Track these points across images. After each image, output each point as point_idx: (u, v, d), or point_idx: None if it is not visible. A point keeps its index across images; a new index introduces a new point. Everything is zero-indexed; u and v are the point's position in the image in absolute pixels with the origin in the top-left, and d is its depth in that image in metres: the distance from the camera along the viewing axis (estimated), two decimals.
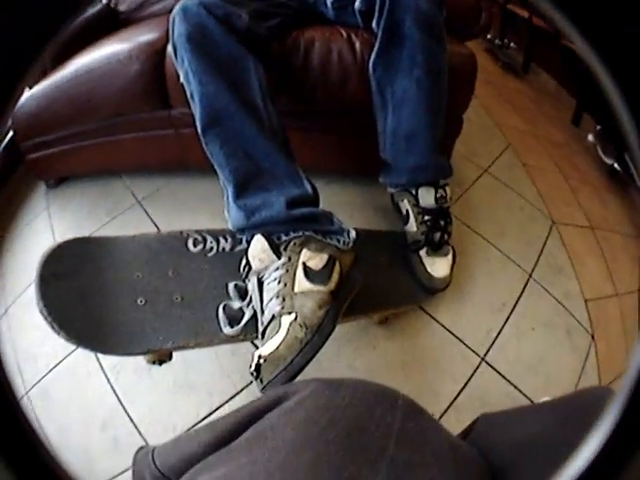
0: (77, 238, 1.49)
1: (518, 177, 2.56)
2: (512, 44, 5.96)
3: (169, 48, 1.70)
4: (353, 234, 1.36)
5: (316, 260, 1.27)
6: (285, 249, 1.29)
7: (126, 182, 2.26)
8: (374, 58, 1.53)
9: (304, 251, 1.28)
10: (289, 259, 1.27)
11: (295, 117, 1.76)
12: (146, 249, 1.47)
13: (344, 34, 1.68)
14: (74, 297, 1.33)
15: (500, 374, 1.66)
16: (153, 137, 2.06)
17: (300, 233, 1.29)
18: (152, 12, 2.56)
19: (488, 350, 1.70)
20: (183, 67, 1.41)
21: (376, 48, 1.52)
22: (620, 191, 3.12)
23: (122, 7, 2.64)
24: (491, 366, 1.66)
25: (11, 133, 2.30)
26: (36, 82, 2.19)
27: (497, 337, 1.75)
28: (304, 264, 1.26)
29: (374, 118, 1.63)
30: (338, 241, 1.32)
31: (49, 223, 2.23)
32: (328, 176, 2.02)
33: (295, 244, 1.29)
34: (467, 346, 1.70)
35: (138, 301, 1.35)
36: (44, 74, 2.19)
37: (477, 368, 1.65)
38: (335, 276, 1.27)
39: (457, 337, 1.72)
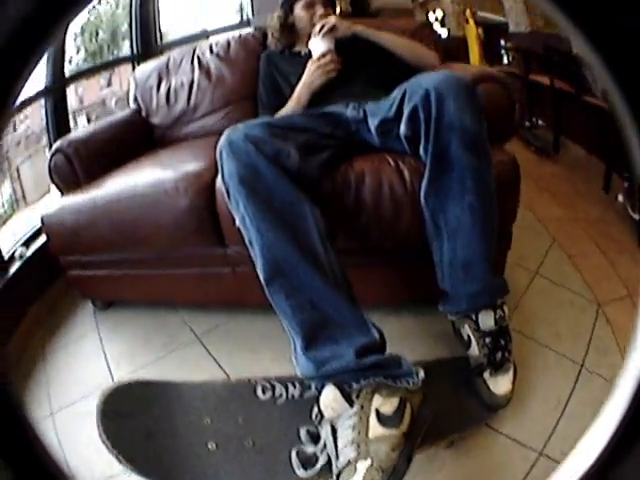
0: (140, 381, 1.54)
1: (566, 271, 2.62)
2: (540, 122, 6.15)
3: (218, 182, 1.78)
4: (422, 374, 1.35)
5: (388, 405, 1.27)
6: (357, 397, 1.29)
7: (182, 315, 2.29)
8: (425, 187, 1.58)
9: (376, 397, 1.28)
10: (361, 407, 1.27)
11: (349, 254, 1.77)
12: (214, 395, 1.48)
13: (392, 163, 1.75)
14: (140, 436, 1.35)
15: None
16: (209, 274, 2.10)
17: (371, 380, 1.29)
18: (189, 132, 2.79)
19: (545, 445, 1.69)
20: (239, 211, 1.46)
21: (426, 177, 1.57)
22: None
23: (155, 120, 2.86)
24: (550, 458, 1.65)
25: (44, 238, 2.41)
26: (69, 190, 2.32)
27: (553, 431, 1.74)
28: (377, 410, 1.26)
29: (428, 247, 1.66)
30: (408, 383, 1.32)
31: (100, 346, 2.26)
32: (383, 308, 2.03)
33: (367, 392, 1.29)
34: (526, 446, 1.70)
35: (209, 446, 1.36)
36: (77, 185, 2.32)
37: (535, 463, 1.65)
38: (407, 417, 1.28)
39: (517, 441, 1.72)
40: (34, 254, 2.63)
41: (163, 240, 2.06)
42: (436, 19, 17.61)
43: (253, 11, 3.68)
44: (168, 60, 3.04)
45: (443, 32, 16.92)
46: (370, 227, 1.82)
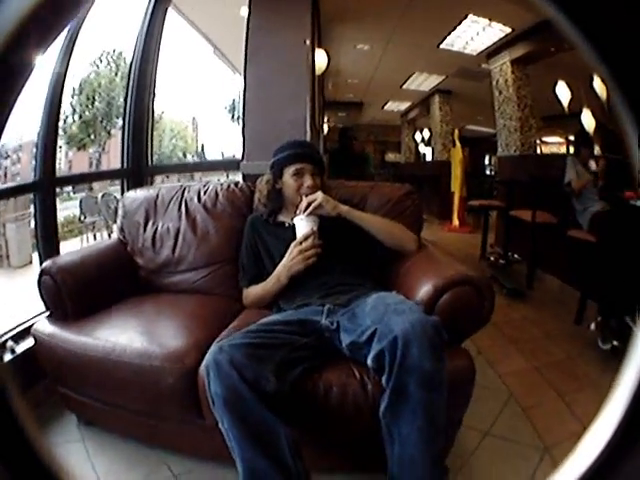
0: None
1: (518, 426, 2.76)
2: (516, 256, 6.35)
3: (201, 369, 1.99)
4: None
5: None
6: None
7: (159, 453, 2.40)
8: (383, 407, 1.73)
9: None
10: None
11: (315, 459, 1.96)
12: None
13: (358, 376, 1.93)
14: None
15: None
16: (186, 432, 2.28)
17: None
18: (172, 283, 2.97)
19: None
20: (223, 426, 1.69)
21: (385, 400, 1.74)
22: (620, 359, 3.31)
23: (140, 260, 3.03)
24: None
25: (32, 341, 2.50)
26: (57, 313, 2.52)
27: None
28: None
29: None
30: None
31: (87, 457, 2.39)
32: None
33: None
34: None
35: None
36: (65, 313, 2.50)
37: None
38: None
39: None
40: (24, 352, 2.76)
41: (146, 404, 2.23)
42: (422, 139, 18.23)
43: (244, 130, 3.77)
44: (157, 197, 3.18)
45: (428, 152, 17.48)
46: (334, 425, 2.00)
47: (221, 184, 3.22)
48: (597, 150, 12.96)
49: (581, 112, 8.33)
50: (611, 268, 3.94)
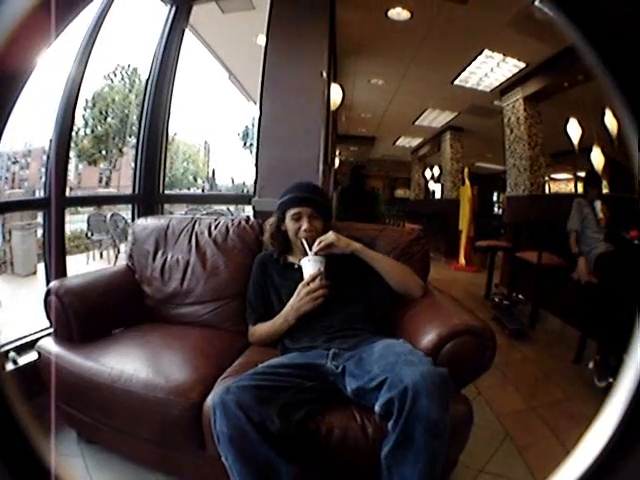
0: None
1: (512, 463, 2.83)
2: (520, 296, 6.35)
3: (206, 405, 2.05)
4: None
5: None
6: None
7: (160, 477, 2.44)
8: (386, 451, 1.78)
9: None
10: None
11: None
12: None
13: (359, 420, 1.96)
14: None
15: None
16: (185, 464, 2.32)
17: None
18: (179, 314, 3.01)
19: None
20: (227, 461, 1.75)
21: (389, 444, 1.78)
22: None
23: (147, 289, 3.08)
24: None
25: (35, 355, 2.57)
26: (62, 334, 2.58)
27: None
28: None
29: None
30: None
31: (87, 473, 2.46)
32: None
33: None
34: None
35: None
36: (70, 334, 2.57)
37: None
38: None
39: None
40: (25, 365, 2.83)
41: (150, 432, 2.27)
42: (432, 176, 18.26)
43: (257, 157, 3.80)
44: (167, 227, 3.25)
45: (437, 189, 17.49)
46: (334, 467, 2.02)
47: (232, 219, 3.28)
48: (605, 187, 12.95)
49: (591, 148, 8.37)
50: (613, 308, 3.96)
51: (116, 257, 10.51)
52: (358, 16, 5.90)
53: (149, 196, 4.39)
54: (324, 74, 3.93)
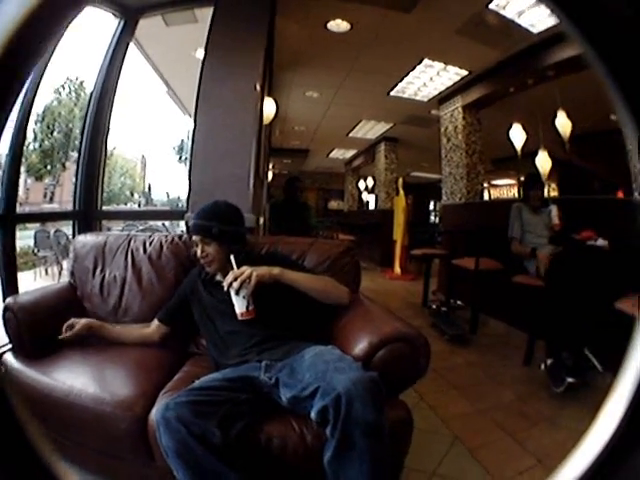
0: None
1: (465, 465, 2.88)
2: (459, 302, 6.43)
3: (151, 417, 2.11)
4: None
5: None
6: None
7: None
8: (329, 457, 1.84)
9: None
10: None
11: None
12: None
13: (297, 429, 2.03)
14: None
15: None
16: (141, 472, 2.32)
17: None
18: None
19: None
20: (178, 475, 1.83)
21: (330, 451, 1.84)
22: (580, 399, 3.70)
23: (88, 305, 3.11)
24: None
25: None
26: (20, 349, 2.65)
27: None
28: None
29: None
30: None
31: None
32: None
33: None
34: None
35: None
36: (25, 350, 2.63)
37: None
38: None
39: None
40: None
41: (103, 444, 2.31)
42: (366, 187, 18.40)
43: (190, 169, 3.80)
44: (105, 244, 3.26)
45: (371, 199, 17.65)
46: (279, 476, 2.08)
47: (165, 236, 3.35)
48: (554, 190, 13.13)
49: (535, 153, 8.52)
50: (561, 308, 4.08)
51: (59, 274, 10.43)
52: (297, 29, 5.91)
53: (88, 212, 4.39)
54: (257, 87, 3.97)
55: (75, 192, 4.39)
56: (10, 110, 0.44)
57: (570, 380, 3.78)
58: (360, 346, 2.25)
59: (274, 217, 6.84)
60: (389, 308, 2.71)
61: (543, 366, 4.14)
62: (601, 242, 4.06)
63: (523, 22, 5.38)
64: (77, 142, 4.47)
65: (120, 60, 4.54)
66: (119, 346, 2.78)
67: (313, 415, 1.90)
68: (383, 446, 1.82)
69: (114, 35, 4.43)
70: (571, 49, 5.35)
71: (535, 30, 5.54)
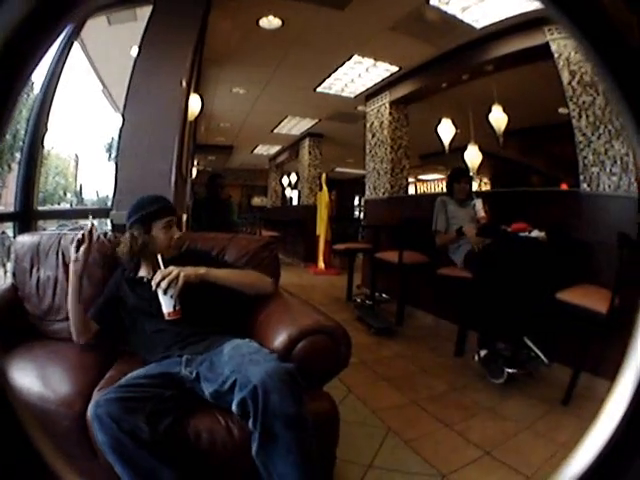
0: None
1: (402, 456, 2.90)
2: (384, 295, 6.49)
3: (89, 413, 2.07)
4: None
5: None
6: None
7: None
8: (255, 449, 1.89)
9: None
10: None
11: None
12: None
13: (223, 422, 2.07)
14: None
15: None
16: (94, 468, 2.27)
17: None
18: (55, 331, 3.04)
19: None
20: (118, 470, 1.87)
21: (256, 442, 1.89)
22: (524, 389, 3.80)
23: (28, 306, 3.09)
24: None
25: None
26: None
27: None
28: None
29: None
30: None
31: None
32: None
33: None
34: None
35: None
36: None
37: None
38: None
39: None
40: None
41: (57, 442, 2.19)
42: (289, 183, 18.40)
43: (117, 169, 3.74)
44: (39, 244, 3.23)
45: (295, 195, 17.68)
46: (213, 470, 2.10)
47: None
48: (486, 184, 13.34)
49: (466, 148, 8.68)
50: (495, 299, 4.17)
51: (5, 275, 10.04)
52: (230, 25, 5.88)
53: (26, 213, 4.35)
54: (184, 83, 3.97)
55: (16, 191, 4.35)
56: (12, 111, 0.42)
57: (510, 371, 3.85)
58: (280, 339, 2.30)
59: (196, 214, 6.81)
60: (313, 303, 2.75)
61: (477, 357, 4.20)
62: (536, 233, 4.11)
63: (466, 18, 5.41)
64: (21, 143, 4.38)
65: (63, 60, 4.50)
66: (57, 346, 2.79)
67: (234, 408, 1.96)
68: (308, 437, 1.89)
69: (63, 35, 4.30)
70: (513, 43, 5.55)
71: (479, 25, 5.59)
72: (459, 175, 5.58)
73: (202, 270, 2.54)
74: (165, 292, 2.39)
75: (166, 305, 2.40)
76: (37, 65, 0.42)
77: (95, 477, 2.22)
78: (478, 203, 5.07)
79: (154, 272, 2.48)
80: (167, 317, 2.41)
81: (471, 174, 6.64)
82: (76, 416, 2.16)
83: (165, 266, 2.45)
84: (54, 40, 0.43)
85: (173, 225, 2.72)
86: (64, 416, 2.17)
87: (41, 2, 0.40)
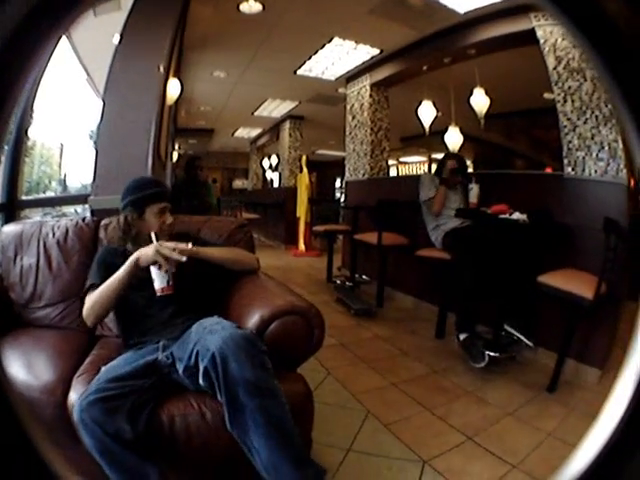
0: None
1: (382, 440, 2.89)
2: (364, 277, 6.49)
3: (69, 400, 2.18)
4: None
5: None
6: None
7: None
8: (228, 421, 1.94)
9: None
10: None
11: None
12: None
13: (196, 406, 2.09)
14: None
15: None
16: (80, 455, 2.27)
17: None
18: (37, 318, 3.06)
19: None
20: (105, 469, 1.89)
21: (226, 413, 1.94)
22: (508, 373, 3.82)
23: (12, 295, 3.10)
24: None
25: None
26: None
27: None
28: None
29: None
30: None
31: None
32: None
33: None
34: None
35: None
36: None
37: None
38: None
39: None
40: None
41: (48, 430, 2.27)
42: (270, 166, 18.35)
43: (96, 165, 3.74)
44: (22, 233, 3.25)
45: (275, 178, 17.66)
46: (194, 455, 2.11)
47: (71, 220, 3.39)
48: (469, 166, 13.40)
49: (446, 130, 8.65)
50: (473, 281, 4.18)
51: None
52: (210, 11, 5.85)
53: (12, 203, 4.33)
54: (161, 68, 3.98)
55: (2, 183, 4.33)
56: (11, 112, 0.44)
57: (492, 354, 3.85)
58: (252, 320, 2.34)
59: (174, 196, 6.81)
60: (293, 284, 2.77)
61: (456, 340, 4.21)
62: (517, 216, 4.07)
63: (450, 2, 5.37)
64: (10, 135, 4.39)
65: (50, 50, 4.39)
66: (40, 332, 2.84)
67: (201, 382, 2.01)
68: (276, 405, 1.91)
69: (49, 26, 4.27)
70: (497, 28, 5.51)
71: (462, 10, 5.55)
72: (449, 156, 5.55)
73: (194, 248, 2.55)
74: (160, 267, 2.38)
75: (160, 281, 2.39)
76: (33, 71, 0.45)
77: (79, 464, 2.19)
78: (475, 188, 5.03)
79: None
80: (160, 293, 2.40)
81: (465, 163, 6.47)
82: (58, 403, 2.18)
83: None
84: (52, 44, 0.47)
85: (166, 211, 2.71)
86: (47, 403, 2.18)
87: (38, 6, 0.42)
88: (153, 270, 2.39)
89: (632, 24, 0.41)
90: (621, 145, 3.87)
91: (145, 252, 2.39)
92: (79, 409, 1.92)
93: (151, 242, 2.46)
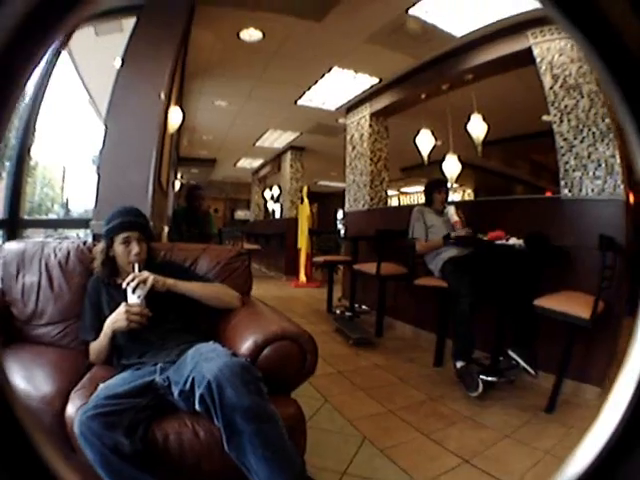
0: None
1: (378, 465, 2.88)
2: (364, 306, 6.49)
3: (67, 411, 2.21)
4: None
5: None
6: None
7: None
8: (225, 443, 1.97)
9: None
10: None
11: None
12: None
13: (190, 426, 2.13)
14: None
15: None
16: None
17: None
18: (38, 335, 3.07)
19: None
20: (105, 478, 1.93)
21: (224, 436, 1.97)
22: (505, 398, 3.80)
23: (14, 311, 3.12)
24: None
25: None
26: None
27: None
28: None
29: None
30: None
31: None
32: None
33: None
34: None
35: None
36: None
37: None
38: None
39: None
40: None
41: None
42: (272, 196, 18.40)
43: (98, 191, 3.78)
44: (25, 250, 3.29)
45: (277, 208, 17.71)
46: (188, 472, 2.14)
47: (72, 242, 3.45)
48: (469, 195, 13.41)
49: (444, 159, 8.64)
50: (472, 307, 4.14)
51: None
52: (211, 38, 5.90)
53: (14, 221, 4.37)
54: (162, 96, 4.02)
55: (5, 199, 4.40)
56: (10, 113, 0.43)
57: (489, 379, 3.89)
58: (246, 345, 2.37)
59: (176, 224, 6.84)
60: (293, 314, 2.78)
61: (454, 369, 4.19)
62: (514, 241, 4.10)
63: (446, 26, 5.42)
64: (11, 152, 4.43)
65: (51, 70, 4.54)
66: (40, 349, 2.87)
67: (197, 406, 2.04)
68: (272, 429, 1.96)
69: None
70: (494, 50, 5.55)
71: (459, 34, 5.60)
72: (437, 185, 5.58)
73: (170, 281, 2.66)
74: (133, 291, 2.51)
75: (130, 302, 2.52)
76: (31, 74, 0.43)
77: (75, 471, 2.25)
78: (451, 209, 5.12)
79: None
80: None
81: (449, 185, 6.54)
82: (56, 413, 2.22)
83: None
84: (48, 46, 0.44)
85: (132, 241, 2.73)
86: (46, 413, 2.22)
87: (36, 7, 0.40)
88: (128, 294, 2.53)
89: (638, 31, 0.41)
90: (618, 160, 3.94)
91: (115, 321, 2.53)
92: (79, 423, 1.97)
93: (133, 271, 2.60)
